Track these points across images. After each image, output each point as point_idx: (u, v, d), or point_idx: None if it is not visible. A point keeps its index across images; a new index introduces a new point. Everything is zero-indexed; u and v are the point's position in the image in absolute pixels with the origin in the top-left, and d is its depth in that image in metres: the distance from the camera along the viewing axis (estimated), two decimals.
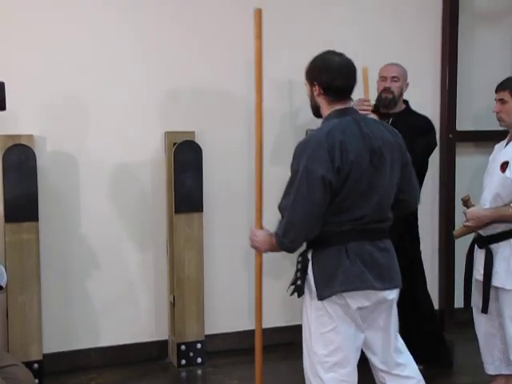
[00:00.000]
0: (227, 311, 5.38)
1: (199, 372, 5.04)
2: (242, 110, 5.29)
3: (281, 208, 3.25)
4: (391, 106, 4.79)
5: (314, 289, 3.24)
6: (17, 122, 4.71)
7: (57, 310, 4.93)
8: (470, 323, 4.48)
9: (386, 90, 4.75)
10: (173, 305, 5.09)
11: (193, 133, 5.03)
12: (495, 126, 4.34)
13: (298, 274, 3.32)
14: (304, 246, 3.33)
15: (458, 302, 4.74)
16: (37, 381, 4.58)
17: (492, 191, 4.16)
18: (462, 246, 4.55)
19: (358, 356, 3.33)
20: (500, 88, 4.21)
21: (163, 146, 5.09)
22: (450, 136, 5.67)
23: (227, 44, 5.22)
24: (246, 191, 5.32)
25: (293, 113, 5.41)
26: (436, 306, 5.65)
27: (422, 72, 5.48)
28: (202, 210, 5.03)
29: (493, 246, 4.14)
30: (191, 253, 5.03)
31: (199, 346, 5.09)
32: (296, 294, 3.33)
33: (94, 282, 5.05)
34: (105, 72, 4.96)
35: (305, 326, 3.37)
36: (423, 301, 4.95)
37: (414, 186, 3.48)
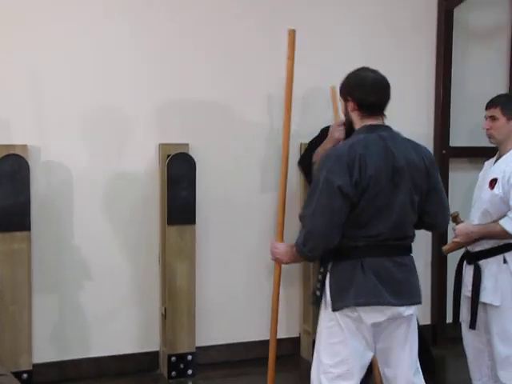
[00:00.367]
0: (220, 323, 5.36)
1: None
2: (236, 123, 5.32)
3: (301, 217, 3.29)
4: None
5: (328, 300, 3.27)
6: (11, 132, 4.71)
7: (48, 320, 4.91)
8: (461, 339, 4.46)
9: None
10: (164, 316, 5.08)
11: (187, 145, 5.04)
12: (489, 143, 4.35)
13: (318, 285, 3.35)
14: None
15: (450, 318, 4.74)
16: None
17: (481, 207, 4.18)
18: (454, 261, 4.55)
19: (362, 373, 3.35)
20: (491, 105, 4.23)
21: (157, 158, 5.08)
22: (444, 152, 5.67)
23: (223, 58, 5.24)
24: (239, 204, 5.37)
25: (292, 126, 5.40)
26: (428, 321, 5.67)
27: (416, 88, 5.51)
28: (194, 223, 5.03)
29: (481, 262, 4.16)
30: (183, 265, 5.03)
31: (190, 357, 5.08)
32: (315, 303, 3.40)
33: (85, 293, 5.03)
34: (100, 83, 4.96)
35: (317, 335, 3.42)
36: None
37: (442, 210, 3.49)
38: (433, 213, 3.42)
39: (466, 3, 5.71)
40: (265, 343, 5.37)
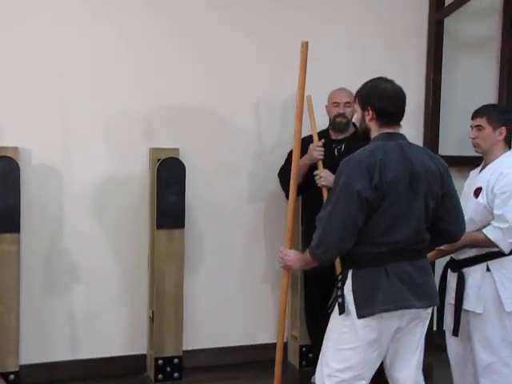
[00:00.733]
0: (207, 327, 5.37)
1: None
2: (226, 130, 5.34)
3: (318, 219, 3.30)
4: (345, 130, 4.88)
5: (351, 307, 3.26)
6: (3, 134, 4.72)
7: (36, 322, 4.91)
8: (446, 346, 4.47)
9: (340, 115, 4.83)
10: (152, 319, 5.09)
11: (177, 150, 5.05)
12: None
13: (339, 293, 3.35)
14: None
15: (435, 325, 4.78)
16: None
17: (466, 216, 4.02)
18: (440, 269, 4.56)
19: (369, 378, 3.37)
20: (477, 115, 4.24)
21: (148, 162, 5.10)
22: None
23: (213, 68, 5.27)
24: (228, 208, 5.39)
25: (281, 133, 5.46)
26: None
27: (406, 96, 5.51)
28: (183, 227, 5.04)
29: (465, 270, 4.16)
30: (171, 268, 5.04)
31: (176, 361, 5.09)
32: (338, 310, 3.35)
33: (74, 295, 5.04)
34: (92, 87, 4.98)
35: (325, 337, 3.42)
36: None
37: (458, 216, 3.52)
38: (448, 219, 3.46)
39: (456, 14, 5.74)
40: (252, 347, 5.49)
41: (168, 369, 5.06)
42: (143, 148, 5.10)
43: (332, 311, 3.41)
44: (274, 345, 5.38)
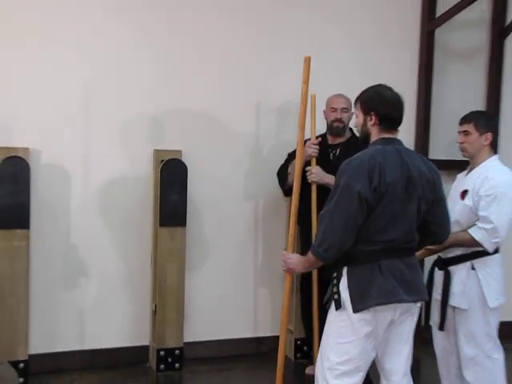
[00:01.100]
0: (207, 321, 5.39)
1: (177, 377, 5.06)
2: (226, 132, 5.36)
3: (320, 218, 3.33)
4: (342, 135, 4.88)
5: (347, 302, 3.29)
6: (14, 135, 4.75)
7: (44, 314, 4.93)
8: (432, 340, 4.49)
9: (338, 120, 4.82)
10: (154, 313, 5.11)
11: (180, 151, 5.06)
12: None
13: (335, 289, 3.36)
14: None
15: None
16: (22, 380, 4.64)
17: (452, 217, 4.06)
18: (428, 267, 4.56)
19: (366, 370, 3.39)
20: (464, 121, 4.26)
21: (152, 163, 5.11)
22: None
23: (215, 73, 5.29)
24: (228, 208, 5.41)
25: (280, 136, 5.49)
26: None
27: None
28: (185, 225, 5.05)
29: (451, 268, 4.18)
30: (173, 265, 5.05)
31: (177, 352, 5.11)
32: (334, 306, 3.36)
33: (80, 289, 5.06)
34: (99, 93, 4.99)
35: (324, 333, 3.44)
36: None
37: (445, 220, 3.55)
38: (437, 222, 3.49)
39: (446, 25, 5.75)
40: (249, 340, 5.49)
41: (169, 359, 5.08)
42: (148, 149, 5.11)
43: (329, 308, 3.42)
44: (270, 338, 5.50)
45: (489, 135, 4.19)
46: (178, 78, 5.20)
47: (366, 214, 3.22)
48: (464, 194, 4.16)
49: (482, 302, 4.12)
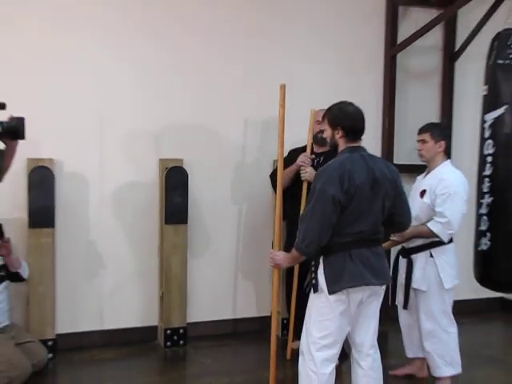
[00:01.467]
0: (207, 304, 5.40)
1: (181, 352, 5.06)
2: (221, 143, 5.36)
3: (300, 218, 3.35)
4: (325, 144, 4.78)
5: (322, 286, 3.32)
6: (41, 148, 4.75)
7: (68, 299, 4.96)
8: (398, 317, 4.56)
9: (321, 131, 4.67)
10: (161, 298, 5.12)
11: (181, 160, 5.07)
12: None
13: (313, 275, 3.39)
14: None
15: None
16: (50, 355, 4.66)
17: (413, 213, 4.05)
18: (394, 256, 4.62)
19: (342, 342, 3.42)
20: (422, 131, 4.30)
21: (157, 170, 5.12)
22: None
23: (211, 95, 5.30)
24: (223, 207, 5.41)
25: (265, 145, 5.49)
26: None
27: (367, 116, 5.48)
28: (186, 222, 5.05)
29: (413, 256, 4.24)
30: (177, 257, 5.05)
31: (182, 331, 5.11)
32: (312, 290, 3.41)
33: (99, 278, 5.07)
34: (112, 112, 5.01)
35: (307, 313, 3.46)
36: None
37: (407, 210, 3.55)
38: (400, 213, 3.50)
39: (406, 51, 5.77)
40: (244, 320, 5.47)
41: (175, 337, 5.09)
42: (154, 159, 5.13)
43: (309, 291, 3.44)
44: (258, 318, 5.46)
45: (442, 143, 4.23)
46: (178, 100, 5.21)
47: (339, 212, 3.25)
48: (423, 193, 4.20)
49: (439, 285, 4.17)
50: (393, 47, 5.80)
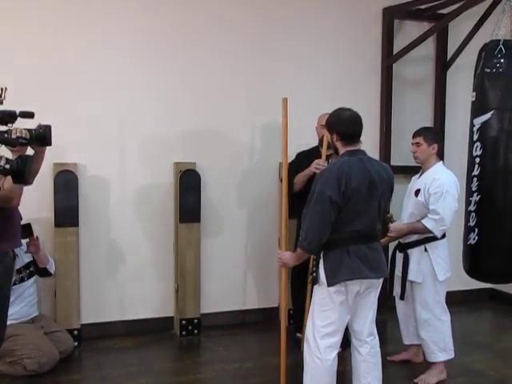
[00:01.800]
0: (219, 296, 5.39)
1: (196, 340, 5.08)
2: (232, 147, 5.36)
3: (302, 217, 3.35)
4: (330, 147, 4.80)
5: (323, 279, 3.34)
6: (66, 154, 4.76)
7: (92, 292, 4.98)
8: (395, 307, 4.57)
9: None
10: (177, 290, 5.15)
11: (194, 163, 5.09)
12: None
13: (314, 269, 3.42)
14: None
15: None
16: (76, 343, 4.70)
17: (408, 211, 4.26)
18: (391, 250, 4.58)
19: (343, 330, 3.44)
20: (416, 134, 4.30)
21: (172, 173, 5.14)
22: None
23: (223, 100, 5.30)
24: (234, 207, 5.42)
25: (270, 149, 5.49)
26: None
27: (366, 121, 5.38)
28: (199, 221, 5.07)
29: (409, 251, 4.24)
30: (191, 253, 5.07)
31: (196, 321, 5.12)
32: (314, 282, 3.44)
33: (119, 273, 5.09)
34: (130, 120, 5.02)
35: (311, 304, 3.48)
36: None
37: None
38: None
39: (401, 60, 5.75)
40: (252, 311, 5.47)
41: (189, 327, 5.11)
42: (169, 162, 5.14)
43: (313, 285, 3.47)
44: (267, 309, 5.46)
45: (435, 146, 4.23)
46: (191, 109, 5.21)
47: (337, 212, 3.27)
48: (417, 192, 4.21)
49: (433, 277, 4.18)
50: (389, 58, 5.77)
